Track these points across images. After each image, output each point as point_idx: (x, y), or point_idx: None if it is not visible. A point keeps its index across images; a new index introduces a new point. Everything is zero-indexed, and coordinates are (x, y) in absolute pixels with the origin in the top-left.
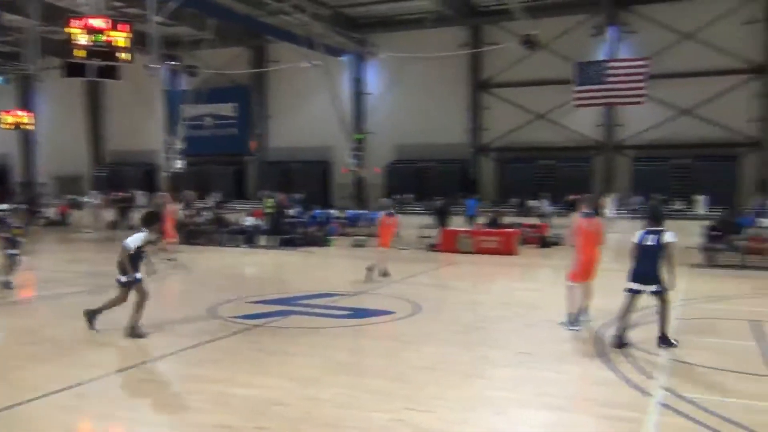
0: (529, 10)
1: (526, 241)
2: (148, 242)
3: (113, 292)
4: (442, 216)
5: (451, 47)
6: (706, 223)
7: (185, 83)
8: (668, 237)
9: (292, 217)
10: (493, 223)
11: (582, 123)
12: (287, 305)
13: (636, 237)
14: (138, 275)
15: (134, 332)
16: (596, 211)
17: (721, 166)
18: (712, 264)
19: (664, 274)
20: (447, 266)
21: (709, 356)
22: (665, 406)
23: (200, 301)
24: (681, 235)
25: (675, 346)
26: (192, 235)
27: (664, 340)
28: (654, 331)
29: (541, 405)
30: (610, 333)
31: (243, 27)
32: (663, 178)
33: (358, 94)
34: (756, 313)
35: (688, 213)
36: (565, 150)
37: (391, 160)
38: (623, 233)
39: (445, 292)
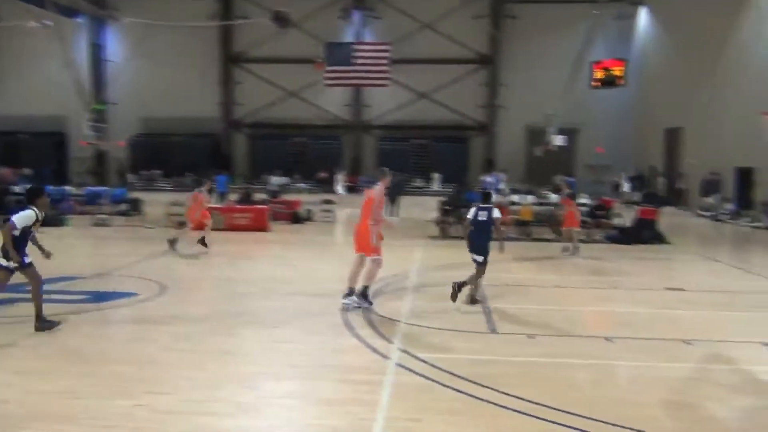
0: None
1: (277, 217)
2: (36, 221)
3: None
4: None
5: (200, 18)
6: (441, 198)
7: None
8: (496, 213)
9: (18, 194)
10: (246, 200)
11: (332, 102)
12: (11, 293)
13: (471, 213)
14: (27, 258)
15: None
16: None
17: (454, 147)
18: (445, 236)
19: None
20: (198, 244)
21: (441, 318)
22: (401, 366)
23: None
24: (420, 209)
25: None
26: None
27: (473, 300)
28: (399, 301)
29: (288, 376)
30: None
31: None
32: (405, 156)
33: (98, 60)
34: None
35: (426, 189)
36: (317, 128)
37: (136, 134)
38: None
39: (194, 271)
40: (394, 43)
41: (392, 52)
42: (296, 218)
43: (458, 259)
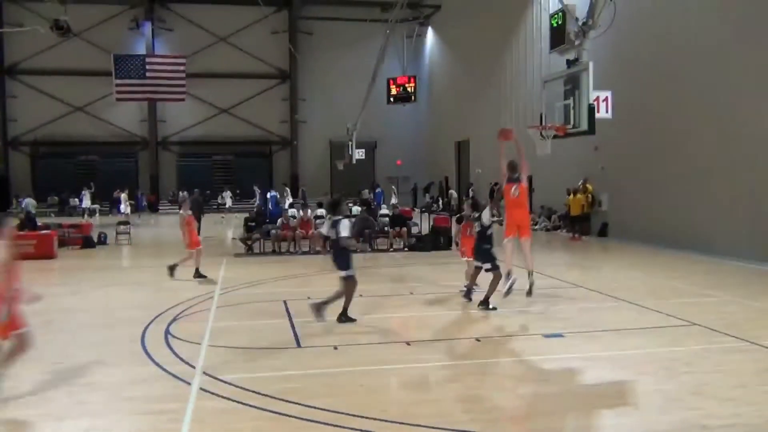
0: None
1: (66, 243)
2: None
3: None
4: None
5: None
6: (246, 215)
7: None
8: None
9: None
10: (27, 224)
11: (126, 118)
12: None
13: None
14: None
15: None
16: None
17: (258, 162)
18: (250, 252)
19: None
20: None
21: (246, 337)
22: (204, 391)
23: None
24: (227, 227)
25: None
26: None
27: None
28: (202, 323)
29: (78, 414)
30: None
31: None
32: (207, 173)
33: None
34: (286, 294)
35: (231, 206)
36: (109, 145)
37: None
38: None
39: None
40: (191, 57)
41: (188, 65)
42: (88, 243)
43: (263, 274)
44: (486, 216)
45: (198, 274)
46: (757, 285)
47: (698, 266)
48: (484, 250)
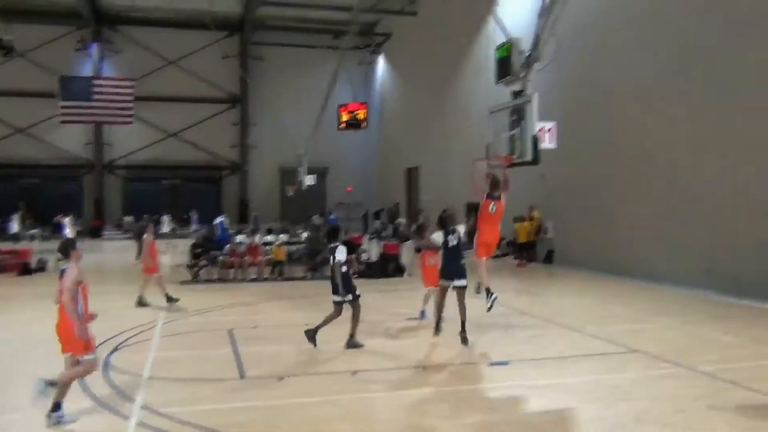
0: (1, 12)
1: (3, 269)
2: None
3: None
4: None
5: None
6: (192, 240)
7: None
8: (461, 230)
9: None
10: None
11: (70, 141)
12: None
13: (439, 239)
14: (357, 291)
15: (352, 343)
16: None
17: (207, 187)
18: (196, 280)
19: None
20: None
21: (189, 368)
22: (142, 425)
23: None
24: (174, 253)
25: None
26: None
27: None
28: (144, 353)
29: None
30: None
31: None
32: (154, 197)
33: None
34: (231, 322)
35: (179, 232)
36: (53, 168)
37: None
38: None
39: None
40: (140, 80)
41: (137, 88)
42: (26, 269)
43: (211, 303)
44: (462, 230)
45: (141, 302)
46: (699, 312)
47: (643, 293)
48: (459, 267)
